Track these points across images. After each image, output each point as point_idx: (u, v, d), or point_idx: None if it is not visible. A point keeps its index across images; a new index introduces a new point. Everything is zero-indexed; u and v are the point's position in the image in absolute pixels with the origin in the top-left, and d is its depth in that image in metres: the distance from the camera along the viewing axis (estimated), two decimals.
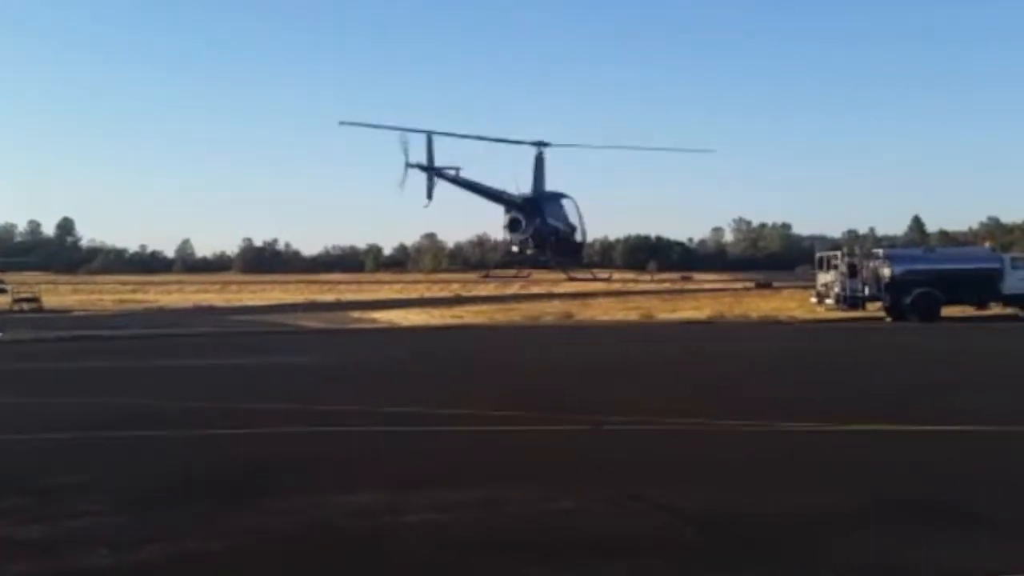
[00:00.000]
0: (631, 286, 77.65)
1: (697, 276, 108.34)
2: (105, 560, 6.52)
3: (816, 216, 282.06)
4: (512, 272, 55.18)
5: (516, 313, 44.11)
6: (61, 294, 70.11)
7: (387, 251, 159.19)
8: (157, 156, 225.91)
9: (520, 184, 52.08)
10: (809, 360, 22.49)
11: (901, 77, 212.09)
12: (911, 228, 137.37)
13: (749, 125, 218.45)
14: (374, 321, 42.39)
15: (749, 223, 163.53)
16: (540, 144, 51.79)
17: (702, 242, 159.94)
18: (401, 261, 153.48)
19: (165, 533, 7.19)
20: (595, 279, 58.10)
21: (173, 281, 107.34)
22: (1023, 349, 24.66)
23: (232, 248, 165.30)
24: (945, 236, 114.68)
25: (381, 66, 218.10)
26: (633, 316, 41.42)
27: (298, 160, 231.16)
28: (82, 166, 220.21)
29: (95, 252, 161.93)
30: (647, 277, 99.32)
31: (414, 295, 69.54)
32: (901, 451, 10.32)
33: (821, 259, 40.29)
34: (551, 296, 59.65)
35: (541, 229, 50.86)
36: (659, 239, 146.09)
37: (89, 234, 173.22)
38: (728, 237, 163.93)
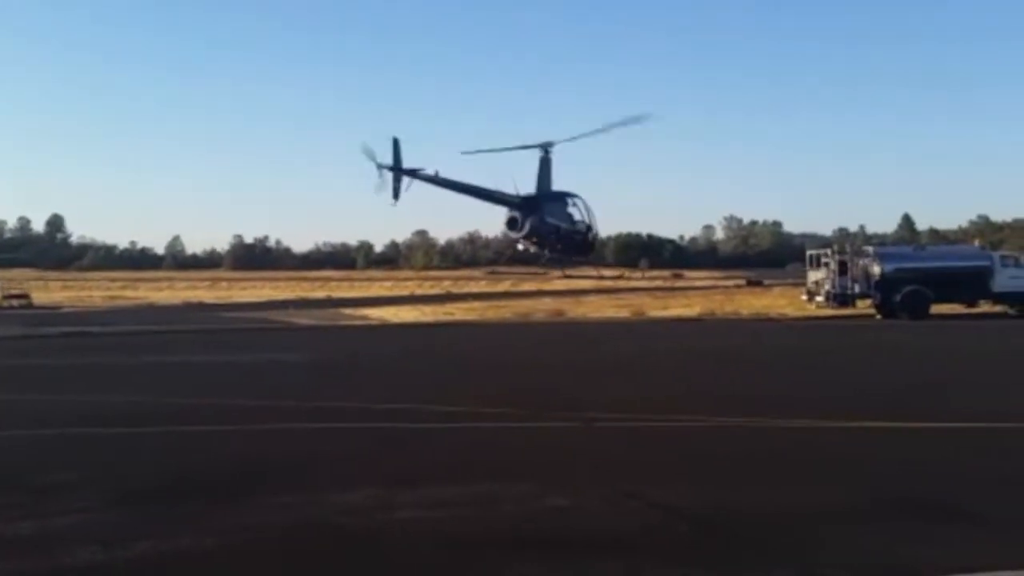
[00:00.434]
0: (622, 283, 77.66)
1: (688, 273, 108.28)
2: (97, 557, 6.50)
3: (807, 214, 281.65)
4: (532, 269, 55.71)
5: (507, 310, 44.08)
6: (51, 291, 69.61)
7: (378, 248, 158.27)
8: (147, 153, 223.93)
9: (519, 184, 52.31)
10: (801, 358, 22.57)
11: (892, 76, 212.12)
12: (901, 226, 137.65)
13: (740, 123, 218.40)
14: (366, 318, 42.33)
15: (740, 221, 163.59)
16: (546, 145, 52.06)
17: (693, 239, 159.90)
18: (392, 258, 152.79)
19: (157, 530, 7.16)
20: (601, 277, 58.44)
21: (163, 278, 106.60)
22: (1013, 347, 24.76)
23: (223, 245, 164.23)
24: (935, 234, 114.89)
25: (381, 66, 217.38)
26: (624, 313, 41.44)
27: (289, 157, 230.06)
28: (72, 163, 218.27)
29: (85, 249, 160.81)
30: (639, 274, 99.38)
31: (405, 292, 69.43)
32: (894, 448, 10.36)
33: (812, 257, 40.45)
34: (542, 293, 59.61)
35: (539, 227, 51.10)
36: (651, 236, 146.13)
37: (79, 231, 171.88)
38: (719, 235, 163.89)
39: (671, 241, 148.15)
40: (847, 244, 44.91)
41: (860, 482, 8.63)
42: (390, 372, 19.67)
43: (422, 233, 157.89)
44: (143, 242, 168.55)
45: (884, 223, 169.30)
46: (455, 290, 69.13)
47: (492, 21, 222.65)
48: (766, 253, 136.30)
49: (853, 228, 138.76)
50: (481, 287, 68.68)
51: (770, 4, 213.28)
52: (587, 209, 52.45)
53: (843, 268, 37.36)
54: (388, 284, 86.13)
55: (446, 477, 9.03)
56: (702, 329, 33.55)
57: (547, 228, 51.55)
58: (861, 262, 37.41)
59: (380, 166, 46.96)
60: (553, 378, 17.70)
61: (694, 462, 9.72)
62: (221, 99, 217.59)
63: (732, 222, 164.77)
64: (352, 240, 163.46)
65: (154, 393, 15.41)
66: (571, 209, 53.15)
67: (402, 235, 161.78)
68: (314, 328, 36.11)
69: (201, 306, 52.22)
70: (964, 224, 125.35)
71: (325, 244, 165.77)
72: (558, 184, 54.76)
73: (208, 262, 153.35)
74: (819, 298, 38.26)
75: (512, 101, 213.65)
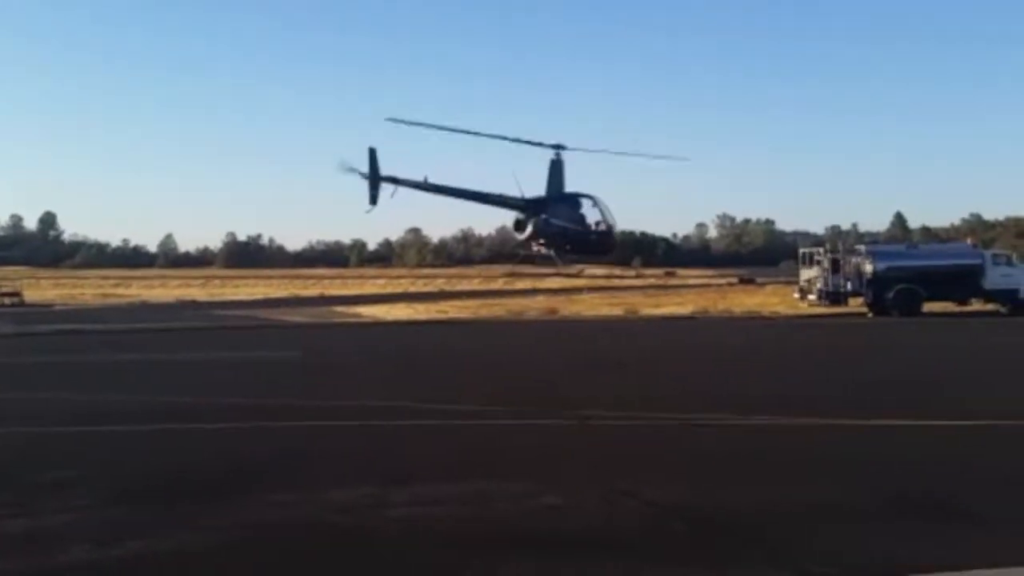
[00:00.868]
0: (615, 282, 77.69)
1: (681, 272, 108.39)
2: (91, 555, 6.47)
3: (799, 212, 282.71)
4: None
5: (500, 308, 44.07)
6: (43, 289, 69.35)
7: (371, 246, 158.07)
8: (140, 151, 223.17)
9: (524, 186, 52.42)
10: (794, 356, 22.61)
11: (884, 75, 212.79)
12: (893, 224, 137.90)
13: (733, 122, 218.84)
14: (358, 316, 42.27)
15: (733, 219, 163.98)
16: (558, 147, 52.09)
17: (686, 238, 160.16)
18: (385, 256, 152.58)
19: (152, 529, 7.14)
20: (613, 276, 58.65)
21: (156, 276, 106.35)
22: (1004, 344, 24.83)
23: (216, 243, 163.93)
24: (927, 232, 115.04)
25: (381, 66, 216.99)
26: (617, 312, 41.46)
27: (282, 155, 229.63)
28: (65, 161, 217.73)
29: (77, 247, 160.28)
30: (632, 273, 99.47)
31: (398, 290, 69.38)
32: (889, 445, 10.38)
33: (804, 255, 40.55)
34: (536, 291, 59.61)
35: (544, 229, 51.14)
36: (644, 235, 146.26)
37: (72, 229, 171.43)
38: (712, 233, 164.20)
39: (664, 239, 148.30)
40: (839, 242, 45.05)
41: (856, 479, 8.65)
42: (383, 370, 19.62)
43: (415, 231, 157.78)
44: (136, 240, 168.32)
45: (876, 221, 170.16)
46: (448, 288, 69.18)
47: (492, 21, 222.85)
48: (759, 251, 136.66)
49: (845, 226, 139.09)
50: (474, 285, 68.59)
51: (769, 4, 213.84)
52: (605, 209, 52.42)
53: (835, 266, 37.50)
54: (381, 282, 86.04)
55: (441, 475, 9.01)
56: (695, 327, 33.59)
57: (553, 230, 51.54)
58: (853, 260, 37.53)
59: (362, 175, 47.19)
60: (547, 376, 17.69)
61: (690, 460, 9.72)
62: (214, 97, 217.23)
63: (725, 220, 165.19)
64: (345, 238, 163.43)
65: (147, 391, 15.36)
66: (585, 210, 53.06)
67: (395, 233, 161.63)
68: (307, 326, 36.04)
69: (194, 304, 52.07)
70: (956, 222, 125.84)
71: (318, 242, 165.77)
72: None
73: (201, 260, 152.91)
74: (811, 296, 38.38)
75: (512, 101, 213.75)
